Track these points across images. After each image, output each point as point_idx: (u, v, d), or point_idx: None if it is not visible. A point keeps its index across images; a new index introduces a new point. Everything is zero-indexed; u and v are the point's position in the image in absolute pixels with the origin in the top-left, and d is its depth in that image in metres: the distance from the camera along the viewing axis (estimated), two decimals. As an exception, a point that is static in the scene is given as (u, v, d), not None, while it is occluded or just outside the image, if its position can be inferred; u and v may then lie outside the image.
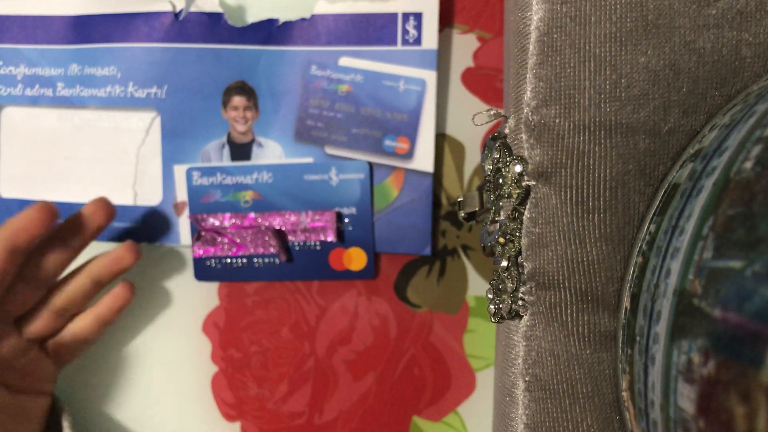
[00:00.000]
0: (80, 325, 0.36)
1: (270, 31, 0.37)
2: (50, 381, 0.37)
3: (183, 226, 0.39)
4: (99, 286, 0.36)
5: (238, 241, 0.38)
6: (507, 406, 0.26)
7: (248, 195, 0.38)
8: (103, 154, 0.39)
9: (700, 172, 0.21)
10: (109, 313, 0.37)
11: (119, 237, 0.39)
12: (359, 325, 0.39)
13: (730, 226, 0.18)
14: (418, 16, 0.37)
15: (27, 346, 0.35)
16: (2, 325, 0.34)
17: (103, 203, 0.35)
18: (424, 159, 0.37)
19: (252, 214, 0.38)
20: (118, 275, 0.36)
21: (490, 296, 0.26)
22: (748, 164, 0.18)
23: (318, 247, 0.38)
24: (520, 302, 0.25)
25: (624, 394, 0.23)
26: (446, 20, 0.38)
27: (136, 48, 0.38)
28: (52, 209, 0.33)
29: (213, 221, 0.38)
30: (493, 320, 0.26)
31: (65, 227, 0.35)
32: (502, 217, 0.26)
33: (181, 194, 0.38)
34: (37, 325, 0.35)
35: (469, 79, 0.38)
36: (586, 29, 0.23)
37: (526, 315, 0.25)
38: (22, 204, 0.39)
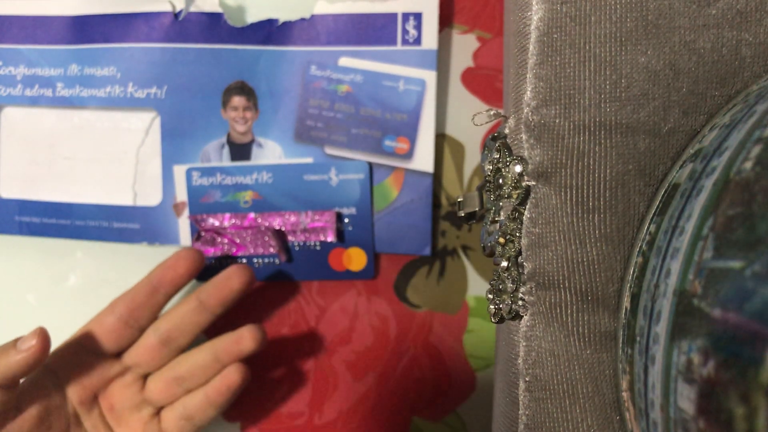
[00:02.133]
0: (191, 402, 0.35)
1: (270, 32, 0.37)
2: None
3: (183, 226, 0.39)
4: (220, 365, 0.35)
5: (237, 241, 0.38)
6: (507, 406, 0.26)
7: (248, 195, 0.38)
8: (102, 154, 0.39)
9: (700, 172, 0.21)
10: (217, 395, 0.34)
11: (119, 238, 0.39)
12: (359, 325, 0.39)
13: (729, 226, 0.18)
14: (417, 16, 0.37)
15: (141, 404, 0.35)
16: (129, 373, 0.35)
17: (242, 269, 0.35)
18: (423, 159, 0.37)
19: (252, 215, 0.38)
20: (238, 355, 0.35)
21: (490, 296, 0.26)
22: (748, 164, 0.18)
23: (318, 248, 0.38)
24: (520, 302, 0.25)
25: (624, 394, 0.23)
26: (446, 20, 0.38)
27: (136, 48, 0.38)
28: (199, 257, 0.35)
29: (213, 221, 0.38)
30: (493, 320, 0.26)
31: (207, 289, 0.35)
32: (502, 218, 0.26)
33: (181, 194, 0.38)
34: (157, 386, 0.35)
35: (469, 79, 0.38)
36: (586, 29, 0.23)
37: (526, 315, 0.25)
38: (21, 204, 0.39)
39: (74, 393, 0.34)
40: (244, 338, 0.34)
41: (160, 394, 0.35)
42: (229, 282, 0.35)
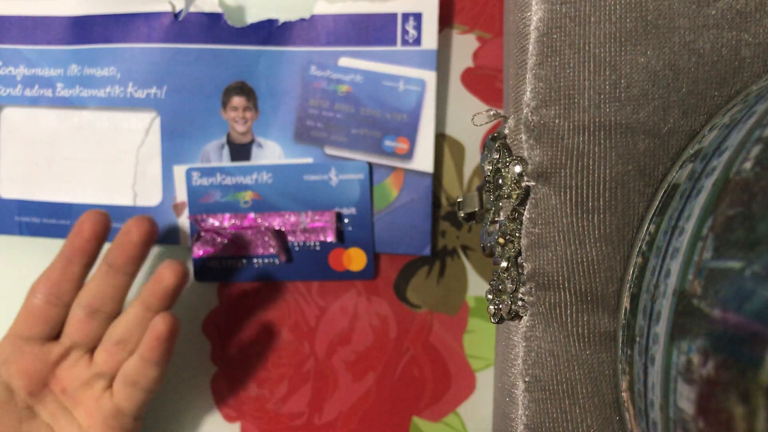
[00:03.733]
0: (129, 365, 0.34)
1: (269, 32, 0.37)
2: (117, 429, 0.35)
3: (183, 226, 0.39)
4: (152, 313, 0.34)
5: (237, 241, 0.38)
6: (507, 406, 0.26)
7: (248, 195, 0.38)
8: (102, 154, 0.39)
9: (700, 172, 0.21)
10: (150, 351, 0.33)
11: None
12: (359, 325, 0.39)
13: (729, 227, 0.18)
14: (417, 17, 0.37)
15: (92, 379, 0.34)
16: (72, 352, 0.34)
17: (139, 219, 0.34)
18: (423, 159, 0.37)
19: (252, 215, 0.38)
20: (166, 299, 0.34)
21: (490, 297, 0.26)
22: (748, 164, 0.18)
23: (318, 248, 0.38)
24: (519, 303, 0.25)
25: (624, 394, 0.23)
26: (446, 20, 0.38)
27: (136, 48, 0.38)
28: (101, 217, 0.34)
29: (213, 222, 0.38)
30: (492, 321, 0.26)
31: (111, 249, 0.34)
32: (501, 218, 0.26)
33: (181, 195, 0.38)
34: (101, 356, 0.34)
35: (469, 79, 0.38)
36: (586, 29, 0.23)
37: (525, 315, 0.25)
38: (21, 204, 0.39)
39: (21, 385, 0.34)
40: (163, 275, 0.34)
41: (107, 364, 0.34)
42: (128, 236, 0.34)
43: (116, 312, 0.35)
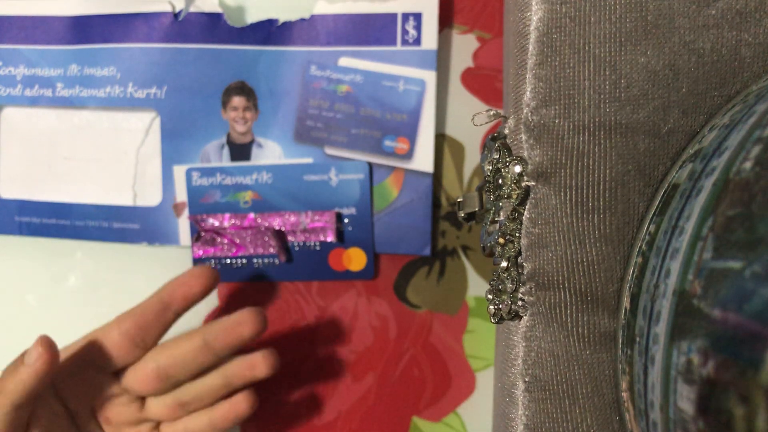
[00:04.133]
0: (193, 423, 0.34)
1: (269, 32, 0.37)
2: None
3: (183, 226, 0.39)
4: (229, 389, 0.34)
5: (237, 241, 0.38)
6: (507, 406, 0.26)
7: (248, 195, 0.38)
8: (102, 154, 0.39)
9: (700, 172, 0.21)
10: (223, 422, 0.33)
11: (119, 238, 0.39)
12: (359, 325, 0.39)
13: (729, 227, 0.18)
14: (417, 17, 0.37)
15: (139, 421, 0.34)
16: (125, 396, 0.34)
17: (255, 314, 0.33)
18: (423, 159, 0.37)
19: (252, 215, 0.38)
20: (250, 380, 0.34)
21: (490, 297, 0.26)
22: (748, 164, 0.18)
23: (318, 248, 0.38)
24: (519, 303, 0.25)
25: (624, 394, 0.23)
26: (446, 20, 0.38)
27: (136, 48, 0.38)
28: (213, 274, 0.34)
29: (213, 222, 0.38)
30: (492, 321, 0.26)
31: (215, 329, 0.33)
32: (501, 218, 0.26)
33: (181, 195, 0.38)
34: (159, 409, 0.34)
35: (469, 79, 0.38)
36: (586, 29, 0.23)
37: (525, 315, 0.25)
38: (21, 204, 0.39)
39: (71, 404, 0.33)
40: (257, 364, 0.33)
41: (162, 416, 0.34)
42: (239, 327, 0.33)
43: (185, 382, 0.34)
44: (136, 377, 0.33)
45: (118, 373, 0.34)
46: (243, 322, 0.33)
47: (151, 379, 0.33)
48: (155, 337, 0.34)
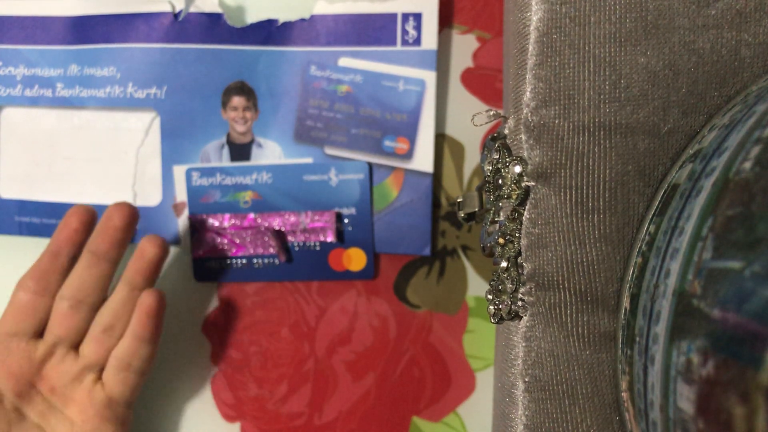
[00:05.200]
0: (120, 349, 0.34)
1: (269, 32, 0.37)
2: (111, 420, 0.34)
3: (182, 226, 0.39)
4: (137, 291, 0.34)
5: (237, 241, 0.38)
6: (507, 406, 0.26)
7: (248, 195, 0.38)
8: (102, 154, 0.39)
9: (700, 172, 0.21)
10: (141, 327, 0.34)
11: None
12: (359, 325, 0.39)
13: (729, 227, 0.18)
14: (417, 17, 0.37)
15: (80, 373, 0.34)
16: (57, 349, 0.34)
17: (120, 205, 0.34)
18: (423, 159, 0.37)
19: (251, 215, 0.38)
20: (151, 273, 0.35)
21: (490, 297, 0.26)
22: (747, 165, 0.18)
23: (317, 248, 0.38)
24: (519, 303, 0.25)
25: (623, 394, 0.23)
26: (446, 20, 0.38)
27: (136, 48, 0.38)
28: (88, 210, 0.34)
29: (213, 222, 0.38)
30: (492, 321, 0.26)
31: (93, 237, 0.34)
32: (501, 218, 0.26)
33: (181, 195, 0.38)
34: (89, 347, 0.34)
35: (469, 79, 0.38)
36: (586, 30, 0.23)
37: (525, 316, 0.25)
38: (21, 204, 0.39)
39: (8, 387, 0.33)
40: (145, 249, 0.34)
41: (96, 353, 0.34)
42: (110, 221, 0.34)
43: (100, 302, 0.35)
44: (56, 321, 0.34)
45: (42, 336, 0.34)
46: (110, 216, 0.34)
47: (67, 313, 0.34)
48: (57, 284, 0.34)
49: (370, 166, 0.38)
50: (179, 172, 0.38)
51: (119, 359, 0.34)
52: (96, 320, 0.34)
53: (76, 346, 0.35)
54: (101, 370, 0.35)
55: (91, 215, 0.35)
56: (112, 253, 0.34)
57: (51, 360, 0.34)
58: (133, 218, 0.34)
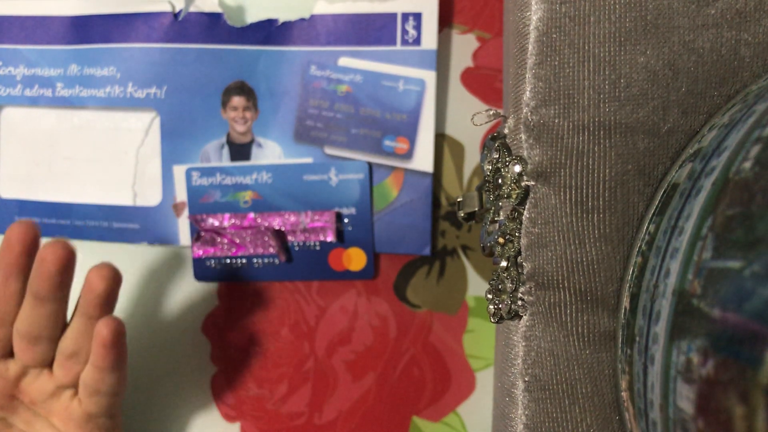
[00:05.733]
0: (86, 375, 0.33)
1: (269, 32, 0.37)
2: (94, 430, 0.34)
3: (182, 226, 0.39)
4: (92, 320, 0.33)
5: (237, 241, 0.38)
6: (506, 406, 0.26)
7: (248, 195, 0.38)
8: (102, 154, 0.39)
9: (700, 172, 0.21)
10: (100, 358, 0.32)
11: (119, 238, 0.39)
12: (359, 325, 0.39)
13: (729, 227, 0.18)
14: (417, 17, 0.37)
15: (56, 391, 0.34)
16: (29, 370, 0.33)
17: (53, 245, 0.31)
18: (423, 159, 0.37)
19: (251, 215, 0.38)
20: (102, 305, 0.33)
21: (490, 296, 0.26)
22: (747, 164, 0.18)
23: (317, 248, 0.38)
24: (519, 302, 0.25)
25: (623, 394, 0.23)
26: (446, 20, 0.38)
27: (136, 48, 0.38)
28: (25, 227, 0.32)
29: (212, 221, 0.38)
30: (492, 320, 0.26)
31: (32, 279, 0.32)
32: (501, 218, 0.26)
33: (181, 194, 0.38)
34: (58, 372, 0.33)
35: (469, 79, 0.38)
36: (585, 29, 0.23)
37: (525, 315, 0.25)
38: (21, 204, 0.39)
39: None
40: (92, 282, 0.32)
41: (66, 377, 0.33)
42: (44, 265, 0.32)
43: (58, 333, 0.33)
44: (18, 349, 0.33)
45: (12, 356, 0.34)
46: (43, 258, 0.32)
47: (25, 346, 0.33)
48: (12, 310, 0.33)
49: (370, 166, 0.38)
50: (179, 172, 0.38)
51: (87, 385, 0.33)
52: (59, 347, 0.33)
53: (48, 367, 0.34)
54: (76, 387, 0.34)
55: (32, 232, 0.32)
56: (55, 294, 0.32)
57: (25, 378, 0.34)
58: (68, 259, 0.32)
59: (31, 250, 0.32)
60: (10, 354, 0.34)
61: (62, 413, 0.34)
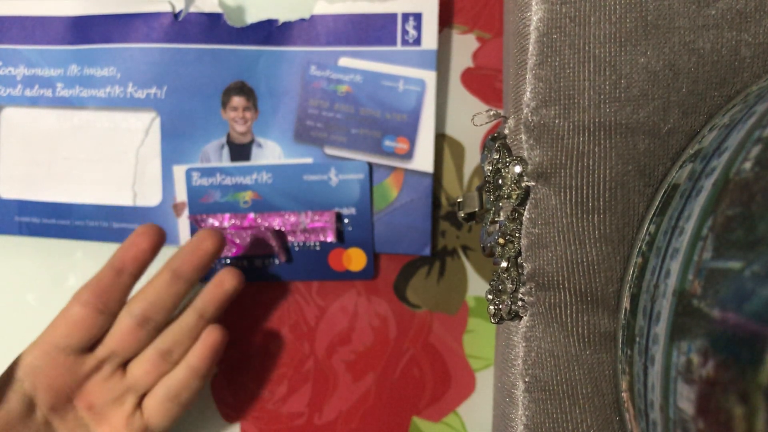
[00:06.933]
0: (173, 378, 0.33)
1: (269, 32, 0.37)
2: None
3: (182, 226, 0.39)
4: (204, 322, 0.33)
5: (237, 241, 0.38)
6: (507, 406, 0.26)
7: (248, 195, 0.38)
8: (102, 154, 0.39)
9: (700, 172, 0.21)
10: (200, 361, 0.33)
11: (119, 238, 0.39)
12: (359, 325, 0.39)
13: (729, 227, 0.18)
14: (417, 17, 0.37)
15: (123, 394, 0.33)
16: (105, 365, 0.33)
17: (213, 232, 0.34)
18: (423, 159, 0.37)
19: (251, 215, 0.38)
20: (223, 305, 0.34)
21: (490, 297, 0.26)
22: (748, 165, 0.18)
23: (317, 248, 0.38)
24: (519, 303, 0.25)
25: (624, 394, 0.23)
26: (446, 20, 0.38)
27: (136, 48, 0.38)
28: (159, 231, 0.33)
29: (213, 222, 0.38)
30: (492, 321, 0.26)
31: (178, 257, 0.33)
32: (501, 218, 0.26)
33: (181, 195, 0.38)
34: (140, 368, 0.33)
35: (469, 79, 0.38)
36: (586, 30, 0.23)
37: (525, 316, 0.25)
38: (21, 204, 0.39)
39: (44, 400, 0.32)
40: (224, 279, 0.34)
41: (147, 376, 0.33)
42: (202, 244, 0.33)
43: (165, 323, 0.33)
44: (116, 336, 0.33)
45: (92, 349, 0.33)
46: (203, 239, 0.33)
47: (132, 329, 0.32)
48: (117, 302, 0.33)
49: (370, 166, 0.38)
50: (179, 172, 0.38)
51: (169, 388, 0.33)
52: (155, 342, 0.33)
53: (123, 366, 0.33)
54: (143, 396, 0.33)
55: (162, 237, 0.33)
56: (194, 276, 0.33)
57: (96, 376, 0.33)
58: (222, 247, 0.34)
59: (155, 251, 0.33)
60: (89, 349, 0.33)
61: (118, 423, 0.33)
